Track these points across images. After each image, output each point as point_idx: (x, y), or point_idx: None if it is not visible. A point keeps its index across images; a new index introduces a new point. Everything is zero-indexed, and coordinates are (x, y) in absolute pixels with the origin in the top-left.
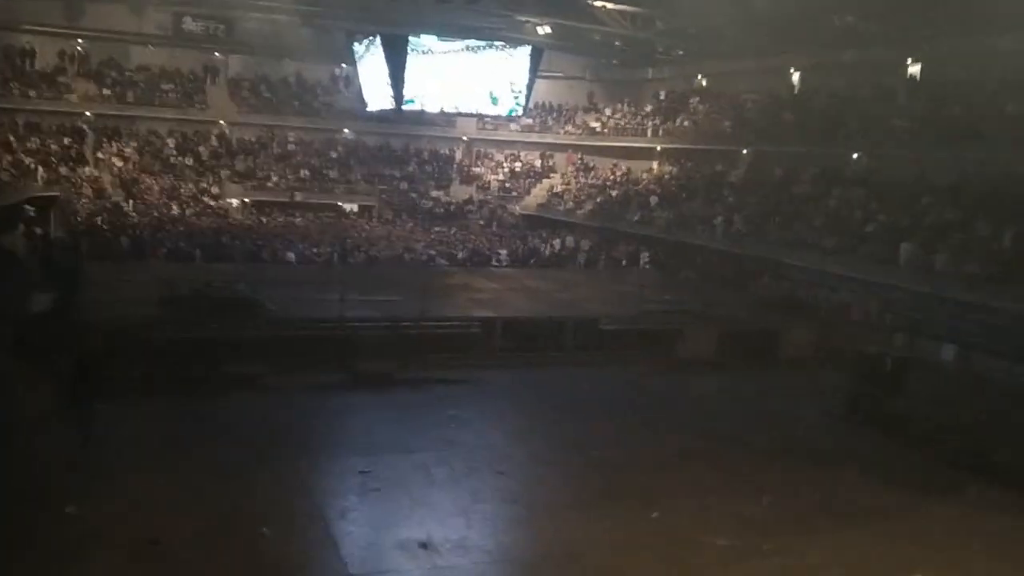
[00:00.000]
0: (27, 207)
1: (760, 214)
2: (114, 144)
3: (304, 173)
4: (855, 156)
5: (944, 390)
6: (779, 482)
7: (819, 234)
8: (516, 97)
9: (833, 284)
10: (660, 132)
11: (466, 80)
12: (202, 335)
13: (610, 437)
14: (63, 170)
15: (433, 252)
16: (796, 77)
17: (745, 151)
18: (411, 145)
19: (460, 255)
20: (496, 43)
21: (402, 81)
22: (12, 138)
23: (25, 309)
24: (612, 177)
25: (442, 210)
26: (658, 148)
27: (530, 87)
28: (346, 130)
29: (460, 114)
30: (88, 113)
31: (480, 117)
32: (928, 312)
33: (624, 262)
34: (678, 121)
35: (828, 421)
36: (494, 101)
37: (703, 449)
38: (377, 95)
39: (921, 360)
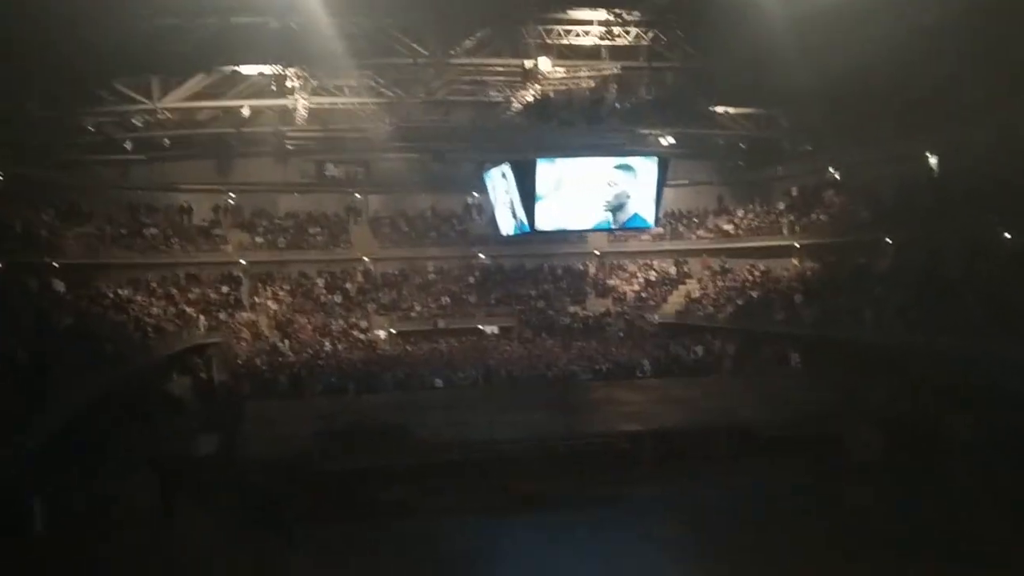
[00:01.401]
0: (190, 355)
1: (911, 302)
2: (268, 288)
3: (445, 300)
4: (1006, 235)
5: None
6: None
7: (977, 317)
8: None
9: (999, 369)
10: (796, 228)
11: (599, 194)
12: (358, 465)
13: (781, 551)
14: (222, 316)
15: (575, 367)
16: (932, 159)
17: (888, 239)
18: (545, 263)
19: (602, 368)
20: (622, 158)
21: (533, 204)
22: (175, 290)
23: (192, 452)
24: (751, 278)
25: (580, 325)
26: (796, 245)
27: (659, 197)
28: (481, 255)
29: (591, 230)
30: (243, 261)
31: (611, 230)
32: None
33: (773, 364)
34: (814, 216)
35: (1016, 520)
36: (634, 220)
37: (891, 561)
38: (509, 219)
39: None
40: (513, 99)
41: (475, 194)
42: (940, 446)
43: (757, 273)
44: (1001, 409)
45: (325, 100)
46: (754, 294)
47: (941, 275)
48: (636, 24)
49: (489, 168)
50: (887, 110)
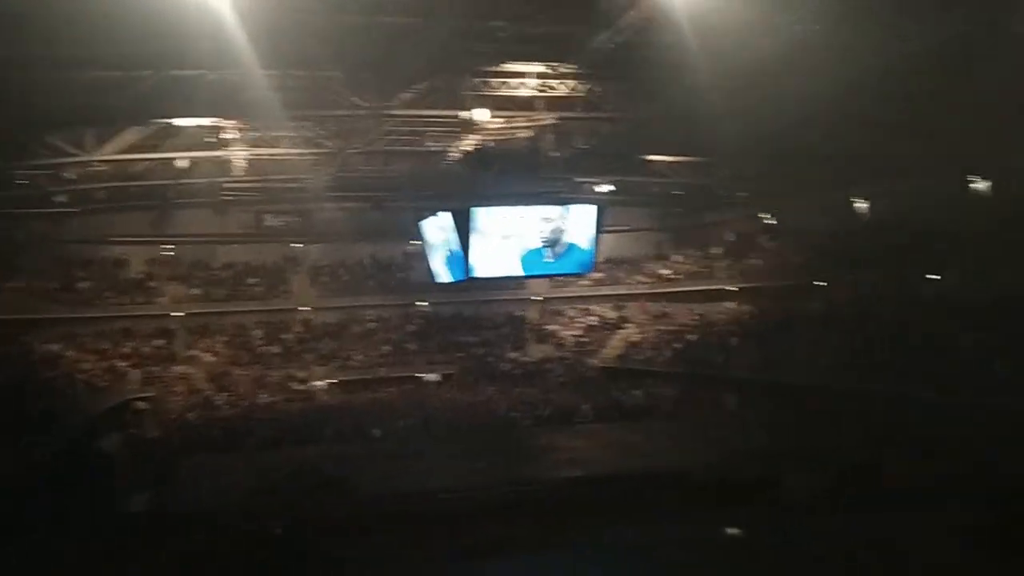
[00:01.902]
0: (123, 410)
1: (844, 345)
2: (204, 340)
3: (385, 349)
4: (934, 277)
5: None
6: None
7: (907, 360)
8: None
9: (931, 409)
10: (732, 273)
11: (532, 242)
12: (294, 520)
13: None
14: (156, 370)
15: (515, 414)
16: (862, 207)
17: (821, 283)
18: (485, 310)
19: (542, 414)
20: (560, 205)
21: (469, 251)
22: (107, 345)
23: (124, 510)
24: (688, 322)
25: (520, 371)
26: (732, 289)
27: (595, 243)
28: (421, 303)
29: (530, 275)
30: (178, 313)
31: (550, 276)
32: None
33: (710, 407)
34: (749, 260)
35: (955, 557)
36: (571, 261)
37: None
38: (448, 266)
39: None
40: (451, 149)
41: (415, 242)
42: (876, 489)
43: (695, 317)
44: (932, 451)
45: (263, 151)
46: (692, 337)
47: (874, 319)
48: (571, 76)
49: (426, 216)
50: (819, 160)
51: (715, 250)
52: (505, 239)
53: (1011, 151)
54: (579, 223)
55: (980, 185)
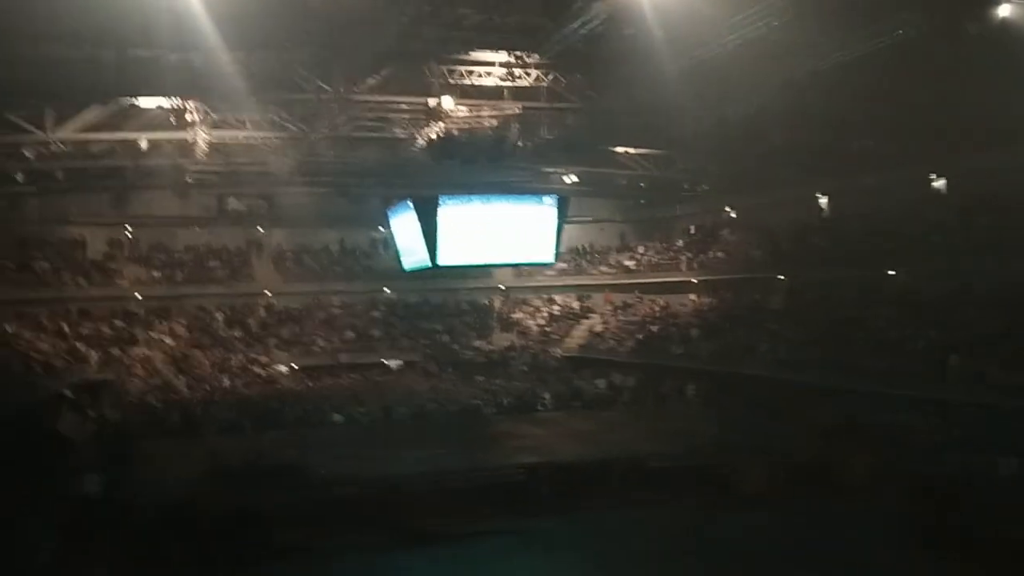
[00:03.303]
0: (80, 391)
1: (803, 340)
2: (164, 323)
3: (349, 335)
4: (892, 274)
5: (1014, 505)
6: None
7: (865, 355)
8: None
9: (885, 405)
10: (694, 265)
11: (500, 231)
12: (251, 505)
13: None
14: (115, 352)
15: (478, 402)
16: (823, 202)
17: (781, 278)
18: (450, 298)
19: (505, 402)
20: (525, 195)
21: (435, 239)
22: (65, 326)
23: (79, 492)
24: (651, 313)
25: (484, 359)
26: (694, 281)
27: (559, 234)
28: (387, 289)
29: (496, 264)
30: (138, 295)
31: (516, 265)
32: (987, 425)
33: (670, 397)
34: (711, 253)
35: (896, 549)
36: (535, 255)
37: None
38: (413, 254)
39: (985, 476)
40: (417, 136)
41: (381, 229)
42: (826, 481)
43: (657, 308)
44: (886, 445)
45: (226, 134)
46: (654, 328)
47: (832, 314)
48: (536, 66)
49: (393, 204)
50: (782, 155)
51: (678, 242)
52: (472, 228)
53: (971, 148)
54: (545, 214)
55: (940, 182)
